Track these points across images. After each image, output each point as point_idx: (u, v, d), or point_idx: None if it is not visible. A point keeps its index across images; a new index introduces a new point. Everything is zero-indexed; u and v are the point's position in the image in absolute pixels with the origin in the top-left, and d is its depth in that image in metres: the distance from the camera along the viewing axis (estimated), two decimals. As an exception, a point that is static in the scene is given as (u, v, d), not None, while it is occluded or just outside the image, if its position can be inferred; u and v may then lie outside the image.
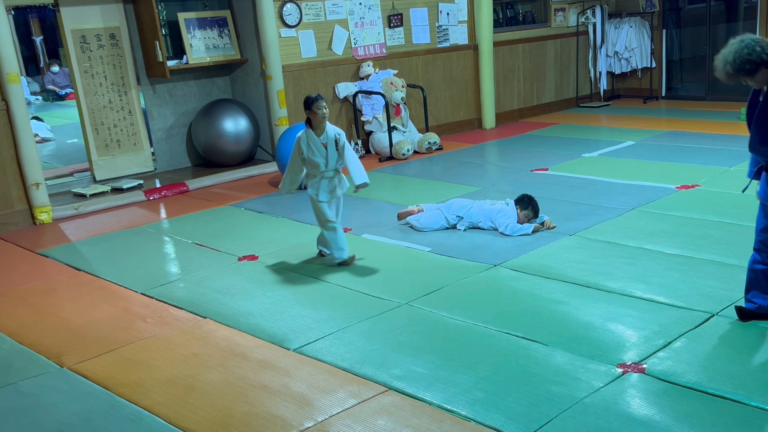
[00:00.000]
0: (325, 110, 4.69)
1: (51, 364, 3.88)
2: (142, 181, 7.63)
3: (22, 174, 6.58)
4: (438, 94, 9.49)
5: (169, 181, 7.69)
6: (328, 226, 4.90)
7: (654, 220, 5.41)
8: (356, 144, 8.58)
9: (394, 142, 8.30)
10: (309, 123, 4.76)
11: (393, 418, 3.13)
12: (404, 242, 5.36)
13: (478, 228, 5.50)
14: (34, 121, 10.74)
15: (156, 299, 4.67)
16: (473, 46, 9.77)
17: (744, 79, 3.34)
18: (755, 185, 3.67)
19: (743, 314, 3.73)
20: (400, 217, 5.78)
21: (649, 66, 11.06)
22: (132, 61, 7.78)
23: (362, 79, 8.64)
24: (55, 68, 14.46)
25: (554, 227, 5.40)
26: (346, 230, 5.76)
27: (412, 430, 3.04)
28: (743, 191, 3.94)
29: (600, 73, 11.21)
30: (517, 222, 5.36)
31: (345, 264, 4.92)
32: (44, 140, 10.44)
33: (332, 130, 4.77)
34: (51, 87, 14.44)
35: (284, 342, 3.92)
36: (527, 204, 5.40)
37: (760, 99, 3.40)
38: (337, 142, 4.76)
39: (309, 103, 4.69)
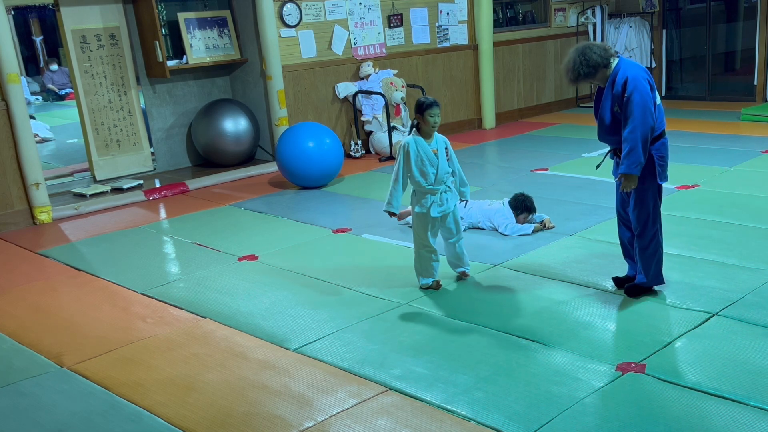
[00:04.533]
0: (437, 118, 4.23)
1: (51, 364, 3.88)
2: (142, 181, 7.63)
3: (22, 174, 6.58)
4: (438, 94, 9.48)
5: (169, 181, 7.69)
6: (423, 251, 4.40)
7: (654, 220, 5.40)
8: (356, 144, 8.58)
9: (394, 142, 8.30)
10: (417, 128, 4.28)
11: (393, 418, 3.13)
12: (404, 242, 5.36)
13: (478, 228, 5.50)
14: (32, 120, 10.75)
15: (156, 299, 4.67)
16: (473, 46, 9.77)
17: (588, 81, 3.89)
18: (609, 163, 4.18)
19: (619, 283, 4.23)
20: (401, 217, 5.78)
21: (649, 66, 11.05)
22: (132, 61, 7.78)
23: (362, 79, 8.64)
24: (54, 66, 14.47)
25: (554, 227, 5.40)
26: (345, 230, 5.77)
27: (412, 430, 3.04)
28: (597, 167, 4.28)
29: (600, 73, 11.20)
30: (516, 223, 5.37)
31: (430, 288, 4.46)
32: (44, 140, 10.44)
33: (440, 137, 4.33)
34: (50, 86, 14.44)
35: (284, 342, 3.92)
36: (520, 207, 5.38)
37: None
38: (447, 150, 4.31)
39: (422, 108, 4.19)
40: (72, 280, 5.16)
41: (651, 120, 3.75)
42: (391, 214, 4.37)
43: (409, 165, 4.25)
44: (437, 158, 4.25)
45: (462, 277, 4.56)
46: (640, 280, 4.11)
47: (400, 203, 4.34)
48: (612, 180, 4.11)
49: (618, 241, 4.29)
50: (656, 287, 4.15)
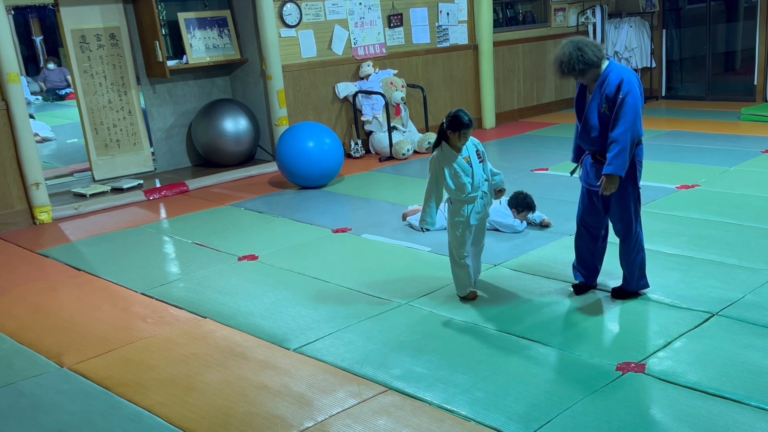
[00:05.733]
0: (467, 138, 4.03)
1: (51, 364, 3.88)
2: (142, 181, 7.63)
3: (22, 174, 6.58)
4: (438, 94, 9.48)
5: (169, 181, 7.69)
6: (461, 262, 4.21)
7: (654, 220, 5.40)
8: (356, 144, 8.58)
9: (394, 142, 8.30)
10: (445, 139, 4.04)
11: (393, 418, 3.13)
12: (404, 242, 5.36)
13: (478, 228, 5.50)
14: (31, 119, 10.79)
15: (156, 299, 4.67)
16: (473, 46, 9.77)
17: (576, 77, 3.84)
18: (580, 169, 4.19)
19: (578, 289, 4.25)
20: (405, 217, 5.78)
21: (649, 66, 11.06)
22: (132, 61, 7.78)
23: (362, 79, 8.63)
24: (51, 65, 14.49)
25: (551, 225, 5.42)
26: (345, 230, 5.77)
27: (412, 430, 3.04)
28: (571, 174, 4.26)
29: (600, 73, 11.19)
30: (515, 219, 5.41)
31: (466, 299, 4.28)
32: (44, 140, 10.44)
33: (470, 141, 4.08)
34: (40, 83, 14.44)
35: (284, 342, 3.92)
36: (522, 205, 5.40)
37: (589, 96, 3.91)
38: (479, 154, 4.10)
39: (459, 127, 3.94)
40: (72, 280, 5.16)
41: (640, 125, 3.76)
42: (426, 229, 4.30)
43: (443, 179, 4.05)
44: (471, 166, 4.05)
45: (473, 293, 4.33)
46: (625, 287, 4.12)
47: (435, 219, 4.21)
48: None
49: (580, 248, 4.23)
50: (642, 291, 4.15)
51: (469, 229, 4.18)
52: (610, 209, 4.00)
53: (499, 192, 4.28)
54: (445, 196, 4.20)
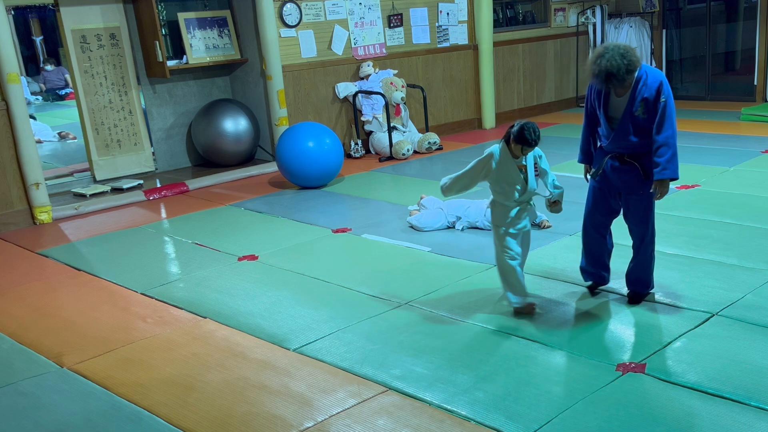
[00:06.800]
0: (526, 153, 3.88)
1: (51, 364, 3.88)
2: (142, 181, 7.63)
3: (22, 174, 6.58)
4: (438, 94, 9.48)
5: (169, 181, 7.69)
6: (510, 262, 3.99)
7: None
8: (356, 144, 8.58)
9: (394, 142, 8.30)
10: (507, 142, 3.89)
11: (393, 418, 3.13)
12: (404, 242, 5.36)
13: (477, 228, 5.50)
14: (41, 124, 10.87)
15: (156, 299, 4.67)
16: (473, 46, 9.77)
17: (617, 86, 3.68)
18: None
19: (591, 290, 4.25)
20: (418, 207, 5.93)
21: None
22: (132, 61, 7.78)
23: (362, 79, 8.63)
24: (49, 66, 14.53)
25: (550, 227, 5.41)
26: (345, 230, 5.77)
27: (412, 430, 3.04)
28: (593, 177, 4.07)
29: (600, 73, 11.19)
30: None
31: (522, 313, 4.03)
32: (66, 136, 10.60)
33: (533, 151, 3.94)
34: (41, 84, 14.46)
35: (284, 342, 3.92)
36: None
37: (617, 99, 3.80)
38: (537, 165, 3.95)
39: (519, 140, 3.79)
40: (72, 280, 5.16)
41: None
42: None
43: (488, 174, 3.94)
44: (522, 175, 3.90)
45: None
46: (643, 290, 4.09)
47: (452, 192, 4.09)
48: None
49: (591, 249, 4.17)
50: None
51: (508, 235, 3.99)
52: (636, 214, 3.93)
53: (554, 204, 4.05)
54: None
